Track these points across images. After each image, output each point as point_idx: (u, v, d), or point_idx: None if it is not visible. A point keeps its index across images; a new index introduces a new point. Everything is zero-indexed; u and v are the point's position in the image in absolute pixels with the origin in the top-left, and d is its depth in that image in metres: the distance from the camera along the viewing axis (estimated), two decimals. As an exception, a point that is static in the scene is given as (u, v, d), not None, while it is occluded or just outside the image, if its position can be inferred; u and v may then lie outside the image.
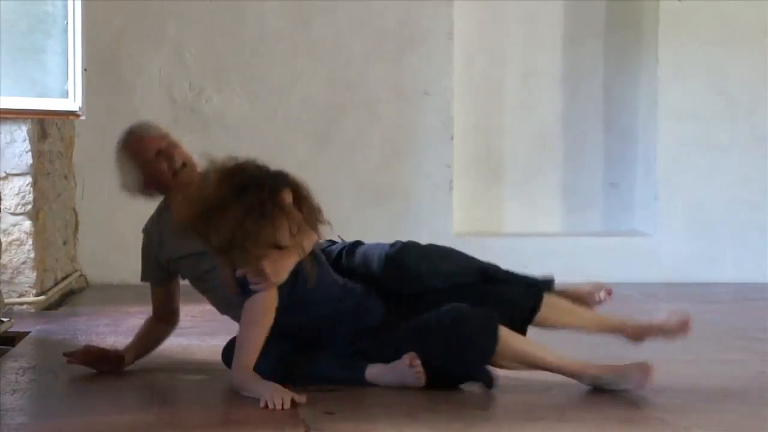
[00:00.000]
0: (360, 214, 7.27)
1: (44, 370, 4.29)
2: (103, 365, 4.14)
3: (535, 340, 3.84)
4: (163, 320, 4.26)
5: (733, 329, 5.55)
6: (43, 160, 6.23)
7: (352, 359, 3.80)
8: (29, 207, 5.91)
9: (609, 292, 4.05)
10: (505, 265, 4.12)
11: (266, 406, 3.48)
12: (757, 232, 7.56)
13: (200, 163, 3.99)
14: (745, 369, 4.37)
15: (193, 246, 3.88)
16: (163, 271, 4.21)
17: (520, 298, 3.90)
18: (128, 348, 4.22)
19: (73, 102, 5.81)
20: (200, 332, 5.14)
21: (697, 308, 6.26)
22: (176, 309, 4.28)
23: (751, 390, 3.93)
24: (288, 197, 3.66)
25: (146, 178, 4.12)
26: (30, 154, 5.92)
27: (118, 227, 7.21)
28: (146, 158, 4.07)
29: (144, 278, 4.33)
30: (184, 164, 4.07)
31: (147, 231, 4.30)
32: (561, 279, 4.13)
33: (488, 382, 3.70)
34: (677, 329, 3.99)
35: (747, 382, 4.07)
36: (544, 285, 4.00)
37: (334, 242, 4.05)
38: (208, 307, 5.99)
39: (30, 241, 5.90)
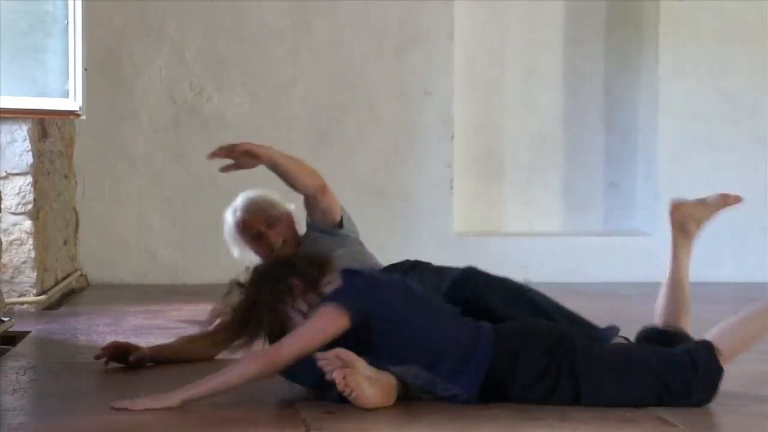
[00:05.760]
0: (360, 214, 7.21)
1: (44, 370, 4.29)
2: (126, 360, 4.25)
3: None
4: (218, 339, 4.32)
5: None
6: (44, 159, 6.23)
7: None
8: (30, 206, 5.91)
9: None
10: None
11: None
12: (757, 232, 7.56)
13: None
14: (745, 369, 4.36)
15: None
16: None
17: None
18: (157, 346, 4.38)
19: (73, 101, 5.82)
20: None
21: (698, 308, 6.23)
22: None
23: (751, 390, 3.93)
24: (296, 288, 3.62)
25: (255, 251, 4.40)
26: (30, 153, 5.92)
27: (118, 227, 7.22)
28: (248, 240, 4.38)
29: None
30: (284, 241, 4.36)
31: None
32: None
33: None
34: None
35: (747, 382, 4.07)
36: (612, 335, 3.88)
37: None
38: (208, 307, 6.01)
39: (30, 241, 5.90)
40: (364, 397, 3.49)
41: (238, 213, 4.40)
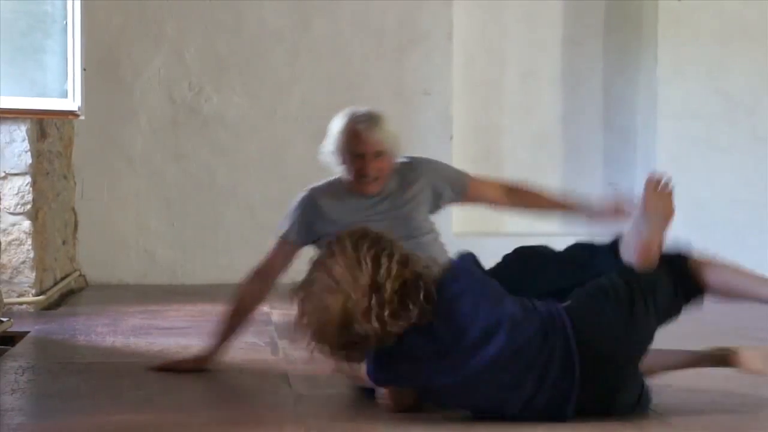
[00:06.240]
0: (359, 214, 7.27)
1: (43, 370, 4.29)
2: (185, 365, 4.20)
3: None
4: (267, 281, 4.20)
5: (733, 329, 5.55)
6: (43, 159, 6.23)
7: None
8: (28, 207, 5.90)
9: None
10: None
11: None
12: (757, 232, 7.56)
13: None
14: (745, 369, 4.37)
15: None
16: (308, 235, 4.20)
17: None
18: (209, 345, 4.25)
19: (72, 102, 5.81)
20: (199, 332, 5.13)
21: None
22: (280, 276, 4.23)
23: (750, 390, 3.93)
24: None
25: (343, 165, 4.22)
26: (29, 153, 5.92)
27: (117, 227, 7.21)
28: (346, 150, 4.20)
29: (285, 235, 4.24)
30: (376, 178, 4.17)
31: (315, 193, 4.29)
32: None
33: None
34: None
35: (746, 382, 4.07)
36: None
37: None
38: (207, 307, 6.02)
39: (29, 241, 5.89)
40: (400, 405, 3.45)
41: (361, 123, 4.19)
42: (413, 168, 4.32)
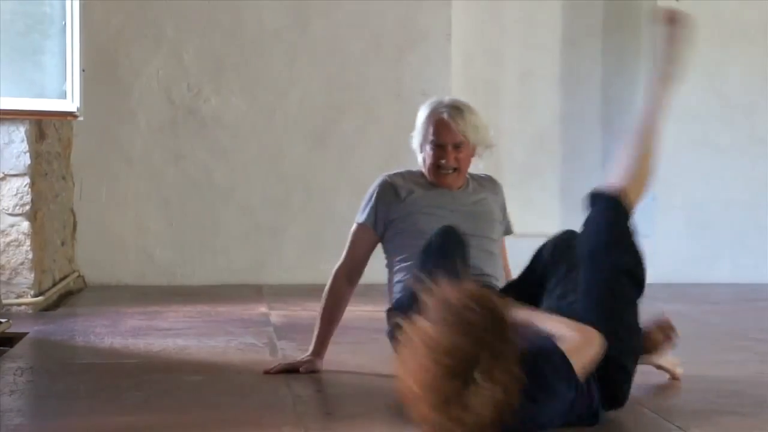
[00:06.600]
0: (358, 215, 7.26)
1: (42, 371, 4.29)
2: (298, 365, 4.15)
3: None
4: (353, 276, 4.20)
5: (731, 330, 5.56)
6: (41, 160, 6.22)
7: None
8: (27, 208, 5.90)
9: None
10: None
11: None
12: (755, 233, 7.56)
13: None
14: (744, 370, 4.38)
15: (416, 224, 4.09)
16: (386, 219, 4.23)
17: None
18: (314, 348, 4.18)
19: (71, 103, 5.81)
20: (197, 333, 5.14)
21: (696, 309, 6.26)
22: (364, 265, 4.23)
23: (749, 391, 3.93)
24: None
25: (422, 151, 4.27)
26: (28, 154, 5.91)
27: (116, 228, 7.21)
28: (427, 136, 4.22)
29: (364, 221, 4.25)
30: (455, 169, 4.21)
31: (391, 178, 4.33)
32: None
33: None
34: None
35: (746, 383, 4.07)
36: None
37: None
38: (206, 308, 6.02)
39: (28, 242, 5.89)
40: None
41: (443, 113, 4.19)
42: (494, 183, 4.43)
